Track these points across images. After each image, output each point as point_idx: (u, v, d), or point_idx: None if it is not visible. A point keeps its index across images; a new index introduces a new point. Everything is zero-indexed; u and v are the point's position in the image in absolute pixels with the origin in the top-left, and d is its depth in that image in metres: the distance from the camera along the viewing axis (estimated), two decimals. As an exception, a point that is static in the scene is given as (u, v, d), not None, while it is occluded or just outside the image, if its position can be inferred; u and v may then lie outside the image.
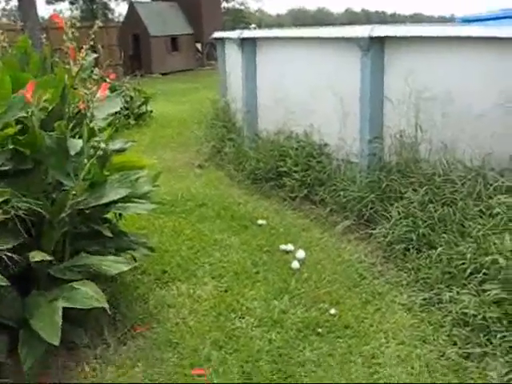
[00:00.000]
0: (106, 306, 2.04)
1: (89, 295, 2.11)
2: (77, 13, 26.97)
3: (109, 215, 2.85)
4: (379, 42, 3.75)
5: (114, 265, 2.34)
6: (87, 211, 2.46)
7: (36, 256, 2.10)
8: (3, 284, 1.93)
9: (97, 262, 2.32)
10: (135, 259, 2.85)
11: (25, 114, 2.23)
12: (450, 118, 3.43)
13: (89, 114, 2.47)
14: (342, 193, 3.76)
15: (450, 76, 3.45)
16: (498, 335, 2.31)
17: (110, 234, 2.49)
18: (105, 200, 2.40)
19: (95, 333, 2.48)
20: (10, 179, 2.22)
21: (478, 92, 3.32)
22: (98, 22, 2.95)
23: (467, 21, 3.22)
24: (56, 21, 2.67)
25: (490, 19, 3.25)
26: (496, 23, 3.11)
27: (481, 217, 2.97)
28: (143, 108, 8.43)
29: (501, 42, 3.15)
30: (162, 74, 17.02)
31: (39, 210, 2.15)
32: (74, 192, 2.26)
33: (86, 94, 2.47)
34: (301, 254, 3.27)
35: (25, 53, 2.62)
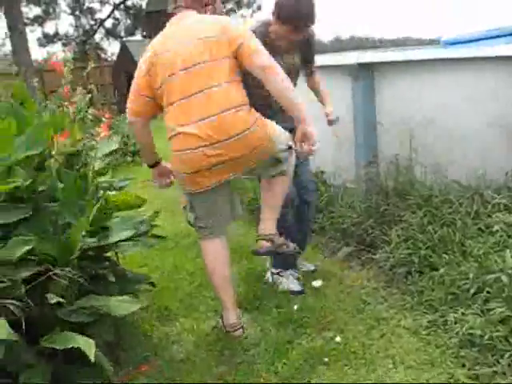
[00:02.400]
0: (91, 355, 1.99)
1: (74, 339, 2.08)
2: (69, 54, 27.35)
3: (109, 253, 2.84)
4: (368, 68, 3.81)
5: (122, 305, 2.33)
6: (91, 253, 2.46)
7: (53, 298, 2.10)
8: (13, 339, 1.92)
9: (105, 303, 2.31)
10: (138, 297, 2.84)
11: (35, 152, 2.27)
12: (442, 139, 3.47)
13: (93, 155, 2.52)
14: (340, 219, 3.77)
15: (439, 98, 3.50)
16: (506, 354, 2.29)
17: (113, 279, 2.49)
18: (109, 241, 2.41)
19: (98, 373, 2.44)
20: (27, 223, 2.24)
21: (467, 112, 3.36)
22: (91, 64, 3.01)
23: (450, 43, 3.28)
24: (54, 67, 2.72)
25: (472, 40, 3.31)
26: (477, 44, 3.19)
27: (481, 235, 2.98)
28: (138, 146, 8.49)
29: (487, 61, 3.20)
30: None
31: (52, 253, 2.16)
32: (83, 233, 2.27)
33: (88, 135, 2.53)
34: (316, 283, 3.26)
35: (21, 98, 2.64)
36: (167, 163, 2.85)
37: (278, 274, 3.29)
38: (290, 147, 2.72)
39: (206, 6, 2.75)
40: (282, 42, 2.96)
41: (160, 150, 2.88)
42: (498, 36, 3.33)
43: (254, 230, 4.07)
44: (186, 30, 2.60)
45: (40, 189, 2.33)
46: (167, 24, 2.71)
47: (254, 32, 2.77)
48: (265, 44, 2.70)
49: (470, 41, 3.38)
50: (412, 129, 3.54)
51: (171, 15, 2.73)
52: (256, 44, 2.53)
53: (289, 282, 3.24)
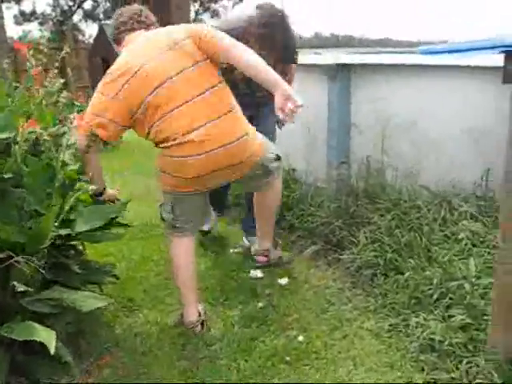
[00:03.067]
0: (51, 348, 1.97)
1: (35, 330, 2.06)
2: (46, 34, 26.88)
3: (74, 242, 2.80)
4: (345, 69, 3.83)
5: (88, 300, 2.30)
6: (58, 241, 2.42)
7: (20, 287, 2.06)
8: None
9: (71, 296, 2.28)
10: (102, 289, 2.82)
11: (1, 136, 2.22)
12: (415, 144, 3.50)
13: (64, 142, 2.46)
14: (309, 218, 3.79)
15: (414, 103, 3.53)
16: (465, 360, 2.33)
17: (77, 270, 2.46)
18: (76, 230, 2.37)
19: (59, 364, 2.40)
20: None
21: (442, 119, 3.40)
22: (66, 48, 2.94)
23: (426, 53, 3.28)
24: (18, 47, 2.65)
25: (448, 52, 3.33)
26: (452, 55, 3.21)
27: (446, 242, 3.02)
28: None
29: (463, 69, 3.24)
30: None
31: (19, 240, 2.11)
32: (55, 223, 2.23)
33: (60, 119, 2.48)
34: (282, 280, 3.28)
35: (-10, 80, 2.58)
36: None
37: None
38: (278, 157, 2.85)
39: (148, 26, 2.74)
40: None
41: (139, 139, 2.78)
42: (471, 49, 3.37)
43: (224, 225, 4.11)
44: (148, 45, 2.57)
45: (6, 176, 2.28)
46: (121, 48, 2.70)
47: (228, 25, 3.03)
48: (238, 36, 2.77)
49: (446, 52, 3.41)
50: (385, 132, 3.57)
51: (118, 41, 2.75)
52: (215, 31, 2.57)
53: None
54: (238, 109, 2.61)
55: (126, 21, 2.70)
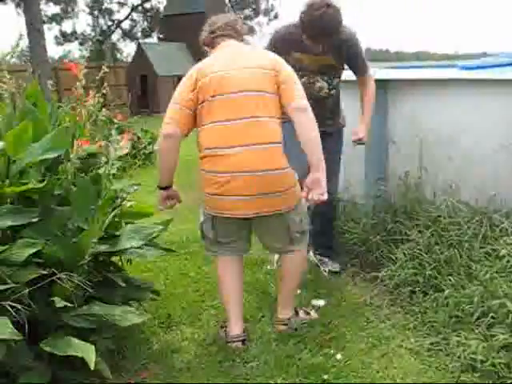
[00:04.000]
0: (91, 363, 2.00)
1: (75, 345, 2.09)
2: (86, 53, 27.56)
3: (114, 259, 2.85)
4: (383, 84, 3.81)
5: (128, 316, 2.34)
6: (100, 258, 2.47)
7: (59, 302, 2.11)
8: (17, 338, 1.93)
9: (109, 311, 2.32)
10: (141, 305, 2.86)
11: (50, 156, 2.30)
12: (454, 160, 3.45)
13: (110, 162, 2.54)
14: (347, 235, 3.76)
15: (452, 118, 3.50)
16: (508, 381, 2.28)
17: (123, 284, 2.50)
18: (118, 248, 2.42)
19: (98, 379, 2.44)
20: (36, 225, 2.24)
21: (481, 134, 3.35)
22: (104, 68, 3.02)
23: (467, 68, 3.26)
24: (69, 68, 2.73)
25: (491, 66, 3.29)
26: (497, 70, 3.18)
27: (487, 259, 2.96)
28: (150, 148, 8.52)
29: (502, 83, 3.20)
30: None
31: (60, 256, 2.17)
32: (94, 239, 2.28)
33: (106, 142, 2.56)
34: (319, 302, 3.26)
35: (35, 99, 2.65)
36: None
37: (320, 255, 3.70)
38: (303, 231, 2.80)
39: (242, 35, 2.80)
40: (313, 48, 3.14)
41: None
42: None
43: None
44: (238, 56, 2.64)
45: (56, 192, 2.36)
46: (214, 50, 2.75)
47: (283, 30, 3.17)
48: (295, 43, 3.06)
49: (486, 67, 3.38)
50: (424, 148, 3.53)
51: (211, 44, 2.77)
52: (299, 88, 2.57)
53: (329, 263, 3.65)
54: (281, 147, 2.58)
55: (223, 27, 2.75)
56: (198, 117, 2.59)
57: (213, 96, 2.52)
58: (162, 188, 2.80)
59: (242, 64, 2.59)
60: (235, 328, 2.80)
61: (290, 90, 2.54)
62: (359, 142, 3.36)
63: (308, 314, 3.03)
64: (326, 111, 3.35)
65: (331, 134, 3.36)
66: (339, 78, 3.36)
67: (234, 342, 2.77)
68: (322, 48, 3.13)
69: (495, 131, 3.29)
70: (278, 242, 2.79)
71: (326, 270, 3.62)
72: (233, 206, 2.58)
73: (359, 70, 3.37)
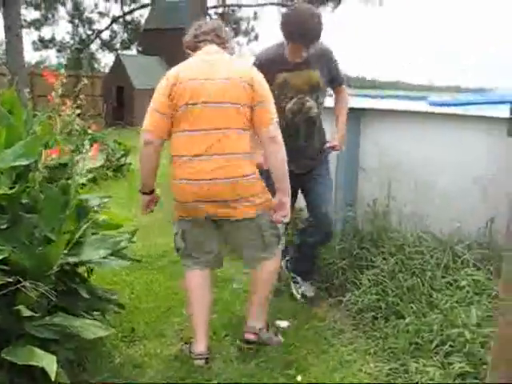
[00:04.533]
0: (52, 374, 1.99)
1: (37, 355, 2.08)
2: (63, 60, 27.35)
3: (80, 269, 2.84)
4: (356, 112, 3.89)
5: (91, 328, 2.34)
6: (66, 267, 2.46)
7: (25, 312, 2.11)
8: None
9: (73, 323, 2.32)
10: (105, 317, 2.84)
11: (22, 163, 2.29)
12: (420, 190, 3.54)
13: (78, 170, 2.54)
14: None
15: (422, 149, 3.59)
16: (462, 409, 2.33)
17: (86, 296, 2.50)
18: (83, 258, 2.42)
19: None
20: (4, 232, 2.24)
21: (450, 166, 3.45)
22: (84, 80, 3.03)
23: (436, 105, 3.36)
24: (46, 77, 2.73)
25: (455, 105, 3.40)
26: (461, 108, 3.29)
27: (448, 289, 3.03)
28: (122, 160, 8.49)
29: (466, 119, 3.31)
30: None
31: (27, 265, 2.16)
32: (64, 250, 2.27)
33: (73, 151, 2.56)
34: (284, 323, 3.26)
35: (10, 106, 2.65)
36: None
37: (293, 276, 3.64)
38: (278, 236, 2.83)
39: (226, 42, 2.82)
40: (295, 59, 3.12)
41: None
42: (483, 103, 3.44)
43: (229, 260, 4.10)
44: (215, 64, 2.66)
45: (23, 201, 2.35)
46: (193, 56, 2.76)
47: (267, 51, 3.21)
48: (280, 61, 3.09)
49: (455, 105, 3.50)
50: (393, 177, 3.62)
51: (194, 48, 2.78)
52: (273, 112, 2.63)
53: (303, 285, 3.58)
54: (249, 157, 2.65)
55: (207, 32, 2.77)
56: (174, 122, 2.63)
57: (186, 104, 2.56)
58: (144, 193, 2.83)
59: (219, 74, 2.61)
60: (200, 345, 2.80)
61: (264, 113, 2.60)
62: (334, 149, 3.39)
63: (276, 335, 3.04)
64: (315, 131, 3.37)
65: (320, 160, 3.43)
66: (324, 97, 3.36)
67: (197, 359, 2.77)
68: (304, 57, 3.12)
69: (462, 164, 3.39)
70: (251, 248, 2.80)
71: (299, 291, 3.58)
72: (200, 212, 2.66)
73: (338, 79, 3.39)
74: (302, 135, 3.29)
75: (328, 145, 3.37)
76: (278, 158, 2.62)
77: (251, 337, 2.88)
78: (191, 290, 2.85)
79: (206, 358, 2.78)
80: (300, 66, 3.17)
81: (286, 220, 2.73)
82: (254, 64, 3.14)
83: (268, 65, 3.13)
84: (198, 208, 2.64)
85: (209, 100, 2.56)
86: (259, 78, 2.67)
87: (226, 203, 2.61)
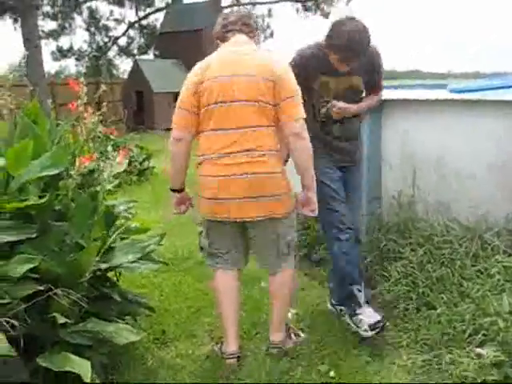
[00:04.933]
0: (87, 379, 2.02)
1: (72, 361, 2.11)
2: (82, 69, 27.64)
3: (110, 274, 2.87)
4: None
5: (124, 333, 2.37)
6: (97, 273, 2.50)
7: (59, 318, 2.14)
8: (12, 354, 1.95)
9: (106, 328, 2.35)
10: (136, 320, 2.88)
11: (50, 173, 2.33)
12: (445, 179, 3.50)
13: (105, 177, 2.58)
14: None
15: (443, 138, 3.55)
16: (498, 399, 2.31)
17: (119, 299, 2.53)
18: (114, 263, 2.45)
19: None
20: (34, 241, 2.27)
21: (471, 153, 3.41)
22: (103, 87, 3.06)
23: (457, 91, 3.31)
24: (71, 85, 2.77)
25: (476, 90, 3.34)
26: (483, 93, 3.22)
27: (479, 277, 3.00)
28: (145, 164, 8.56)
29: (491, 104, 3.26)
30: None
31: (59, 272, 2.19)
32: (96, 258, 2.31)
33: (101, 159, 2.61)
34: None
35: (34, 117, 2.69)
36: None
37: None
38: (288, 249, 2.80)
39: (254, 31, 2.77)
40: (340, 68, 2.99)
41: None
42: (502, 87, 3.39)
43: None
44: (244, 60, 2.62)
45: (56, 208, 2.39)
46: (221, 46, 2.74)
47: (308, 51, 3.03)
48: (324, 64, 2.95)
49: (476, 90, 3.44)
50: (416, 167, 3.59)
51: (223, 39, 2.74)
52: (299, 108, 2.59)
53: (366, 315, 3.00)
54: (276, 154, 2.64)
55: (236, 21, 2.74)
56: (202, 119, 2.63)
57: (215, 103, 2.57)
58: (174, 190, 2.84)
59: (246, 69, 2.58)
60: (231, 345, 2.81)
61: (289, 109, 2.57)
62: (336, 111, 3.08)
63: (298, 335, 3.03)
64: (349, 133, 3.18)
65: (358, 167, 3.28)
66: (360, 99, 3.18)
67: (229, 358, 2.78)
68: (349, 68, 2.99)
69: (485, 151, 3.35)
70: (266, 251, 2.79)
71: (365, 327, 2.96)
72: (226, 210, 2.63)
73: (376, 87, 3.23)
74: (334, 139, 3.15)
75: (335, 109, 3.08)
76: (303, 154, 2.60)
77: (275, 352, 2.84)
78: (219, 290, 2.85)
79: (238, 357, 2.79)
80: (344, 72, 3.02)
81: (314, 214, 2.73)
82: (295, 62, 3.02)
83: (311, 66, 3.02)
84: (223, 205, 2.62)
85: (235, 98, 2.55)
86: (286, 73, 2.61)
87: (251, 200, 2.59)
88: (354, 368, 2.73)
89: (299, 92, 2.62)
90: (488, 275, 2.97)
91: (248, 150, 2.56)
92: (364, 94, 3.20)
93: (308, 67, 3.01)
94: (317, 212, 2.72)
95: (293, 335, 3.00)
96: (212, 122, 2.59)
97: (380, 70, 3.20)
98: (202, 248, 2.88)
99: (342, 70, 3.00)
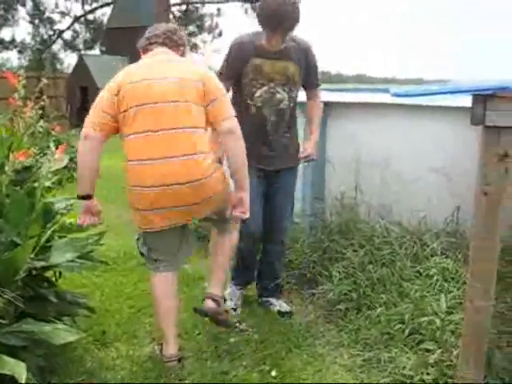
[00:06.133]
0: (22, 381, 1.95)
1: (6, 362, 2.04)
2: (25, 62, 26.84)
3: (48, 273, 2.79)
4: (324, 106, 3.89)
5: (61, 333, 2.30)
6: (34, 272, 2.41)
7: None
8: None
9: (43, 329, 2.27)
10: (75, 321, 2.80)
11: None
12: (388, 181, 3.57)
13: (44, 173, 2.49)
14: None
15: (386, 141, 3.62)
16: (435, 396, 2.36)
17: (55, 300, 2.45)
18: (51, 262, 2.37)
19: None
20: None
21: (413, 157, 3.49)
22: (44, 80, 2.98)
23: (399, 95, 3.38)
24: (8, 78, 2.67)
25: (418, 95, 3.42)
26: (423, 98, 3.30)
27: (418, 278, 3.08)
28: (88, 161, 8.36)
29: (431, 110, 3.35)
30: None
31: None
32: (31, 254, 2.23)
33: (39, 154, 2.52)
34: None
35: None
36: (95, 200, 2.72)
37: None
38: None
39: (179, 46, 2.78)
40: (272, 47, 3.07)
41: (114, 169, 2.81)
42: (441, 92, 3.49)
43: (200, 258, 4.08)
44: (164, 65, 2.61)
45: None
46: (142, 58, 2.73)
47: (245, 36, 3.13)
48: (256, 46, 3.05)
49: (418, 95, 3.52)
50: (361, 169, 3.64)
51: (145, 51, 2.75)
52: (229, 107, 2.61)
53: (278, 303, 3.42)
54: (210, 155, 2.58)
55: (159, 35, 2.74)
56: (120, 126, 2.56)
57: (136, 106, 2.50)
58: (82, 197, 2.64)
59: (168, 73, 2.56)
60: (170, 347, 2.75)
61: (220, 109, 2.56)
62: (308, 159, 3.27)
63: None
64: (284, 125, 3.24)
65: (291, 168, 3.34)
66: (297, 91, 3.24)
67: (169, 361, 2.73)
68: (282, 47, 3.06)
69: (428, 154, 3.44)
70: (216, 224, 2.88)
71: (276, 310, 3.37)
72: (164, 218, 2.57)
73: (314, 82, 3.30)
74: (269, 127, 3.19)
75: (302, 155, 3.24)
76: (236, 152, 2.58)
77: (211, 304, 2.82)
78: (156, 295, 2.78)
79: (178, 359, 2.74)
80: (277, 55, 3.09)
81: (245, 216, 2.71)
82: (229, 49, 3.17)
83: (243, 48, 3.12)
84: (157, 215, 2.55)
85: (158, 100, 2.49)
86: (212, 76, 2.65)
87: (188, 208, 2.55)
88: (295, 367, 2.75)
89: (225, 91, 2.66)
90: (427, 276, 3.05)
91: (173, 156, 2.48)
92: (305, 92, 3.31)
93: (243, 50, 3.12)
94: (248, 214, 2.70)
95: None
96: (134, 125, 2.51)
97: (315, 66, 3.27)
98: (141, 253, 2.82)
99: (275, 50, 3.07)
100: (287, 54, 3.12)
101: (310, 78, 3.26)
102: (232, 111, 2.61)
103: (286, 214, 3.40)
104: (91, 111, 2.58)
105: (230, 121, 2.57)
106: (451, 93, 2.94)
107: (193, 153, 2.50)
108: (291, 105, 3.23)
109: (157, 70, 2.59)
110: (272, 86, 3.14)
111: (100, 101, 2.57)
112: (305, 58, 3.18)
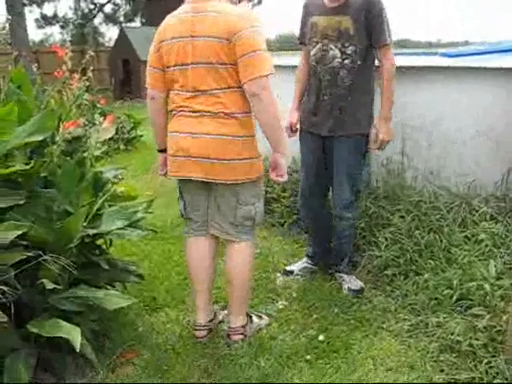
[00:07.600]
0: (77, 345, 2.02)
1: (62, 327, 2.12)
2: (67, 37, 27.16)
3: (99, 241, 2.87)
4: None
5: (113, 299, 2.37)
6: (86, 240, 2.48)
7: (49, 284, 2.13)
8: (2, 320, 1.96)
9: (96, 294, 2.35)
10: (125, 287, 2.88)
11: (36, 139, 2.30)
12: (434, 146, 3.50)
13: (93, 143, 2.55)
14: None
15: (432, 105, 3.54)
16: (484, 361, 2.35)
17: (106, 267, 2.52)
18: (102, 230, 2.44)
19: (83, 360, 2.45)
20: (21, 208, 2.25)
21: (460, 120, 3.40)
22: (91, 52, 3.02)
23: (449, 56, 3.26)
24: (56, 51, 2.72)
25: (469, 54, 3.30)
26: (479, 58, 3.17)
27: (466, 243, 3.03)
28: (133, 133, 8.49)
29: (480, 72, 3.25)
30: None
31: (48, 239, 2.18)
32: (83, 223, 2.29)
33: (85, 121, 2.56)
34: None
35: (20, 82, 2.63)
36: None
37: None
38: (253, 218, 2.65)
39: None
40: (331, 3, 3.02)
41: None
42: (492, 51, 3.36)
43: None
44: (200, 21, 2.45)
45: (41, 175, 2.36)
46: (185, 3, 2.59)
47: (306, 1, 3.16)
48: (318, 3, 3.07)
49: (469, 54, 3.40)
50: (406, 134, 3.58)
51: None
52: (259, 66, 2.38)
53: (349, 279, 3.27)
54: (235, 118, 2.49)
55: None
56: (168, 79, 2.58)
57: (174, 65, 2.51)
58: (159, 151, 2.81)
59: (200, 31, 2.43)
60: (199, 315, 2.76)
61: (246, 68, 2.38)
62: (382, 146, 3.12)
63: (261, 318, 2.91)
64: (339, 87, 3.06)
65: (345, 140, 3.12)
66: (355, 47, 2.98)
67: (197, 330, 2.75)
68: (341, 2, 2.96)
69: (475, 118, 3.34)
70: (225, 219, 2.64)
71: (346, 287, 3.21)
72: (189, 168, 2.55)
73: (378, 38, 2.98)
74: (324, 87, 3.08)
75: (373, 145, 3.13)
76: (265, 116, 2.44)
77: (238, 337, 2.72)
78: (187, 259, 2.79)
79: (208, 330, 2.75)
80: (334, 10, 3.00)
81: (283, 179, 2.58)
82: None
83: (306, 7, 3.19)
84: (186, 163, 2.54)
85: (191, 61, 2.45)
86: (246, 30, 2.37)
87: (210, 161, 2.49)
88: (342, 332, 2.77)
89: (262, 47, 2.39)
90: (475, 241, 3.00)
91: (208, 112, 2.47)
92: (362, 46, 3.01)
93: (306, 9, 3.20)
94: (286, 177, 2.57)
95: (254, 317, 2.87)
96: (175, 83, 2.54)
97: (379, 19, 2.96)
98: (181, 213, 2.80)
99: (334, 7, 3.00)
100: (345, 9, 2.97)
101: (375, 33, 2.97)
102: (262, 70, 2.36)
103: (342, 187, 3.17)
104: (147, 71, 2.63)
105: (255, 82, 2.37)
106: (505, 51, 2.81)
107: (222, 112, 2.47)
108: (346, 63, 3.01)
109: (189, 25, 2.46)
110: (325, 42, 3.03)
111: (149, 59, 2.61)
112: (367, 11, 2.94)
